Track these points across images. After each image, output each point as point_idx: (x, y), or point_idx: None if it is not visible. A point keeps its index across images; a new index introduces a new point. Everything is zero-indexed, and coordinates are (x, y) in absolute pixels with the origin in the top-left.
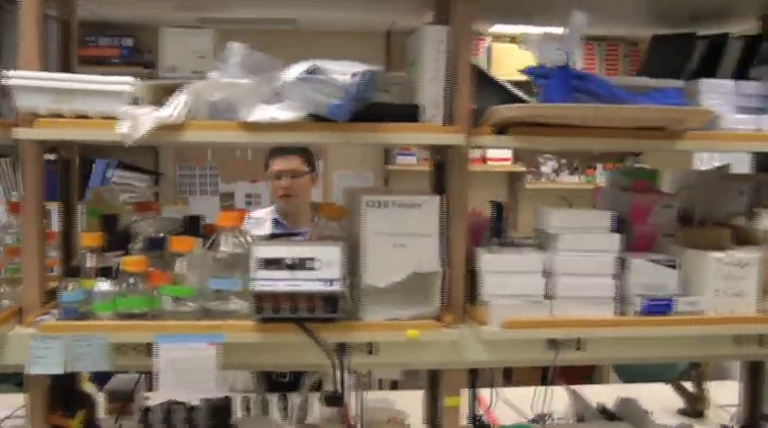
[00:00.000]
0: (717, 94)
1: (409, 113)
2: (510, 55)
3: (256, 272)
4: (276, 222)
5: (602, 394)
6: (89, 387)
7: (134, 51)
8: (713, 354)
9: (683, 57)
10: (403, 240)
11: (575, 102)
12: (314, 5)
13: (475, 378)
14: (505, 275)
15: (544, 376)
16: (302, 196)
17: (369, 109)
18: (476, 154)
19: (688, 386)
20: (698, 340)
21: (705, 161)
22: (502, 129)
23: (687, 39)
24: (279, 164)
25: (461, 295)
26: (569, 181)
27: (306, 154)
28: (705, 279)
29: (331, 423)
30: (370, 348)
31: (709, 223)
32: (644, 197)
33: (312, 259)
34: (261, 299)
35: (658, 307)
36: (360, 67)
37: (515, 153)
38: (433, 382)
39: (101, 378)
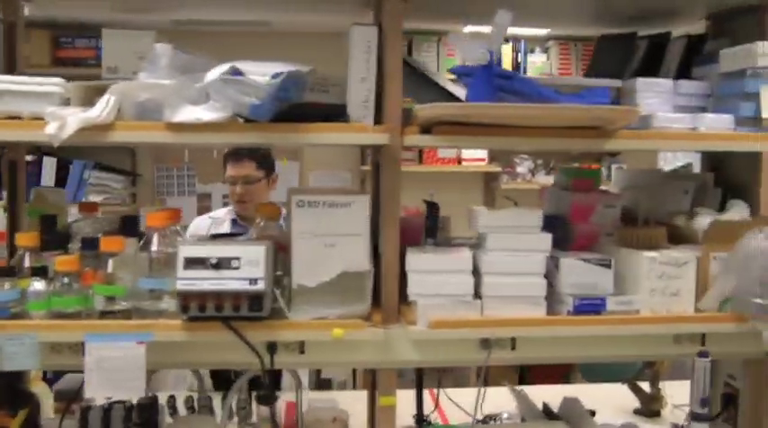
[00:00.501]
0: (653, 93)
1: (337, 113)
2: None
3: (182, 272)
4: (234, 222)
5: (562, 394)
6: (40, 387)
7: None
8: (651, 353)
9: (624, 56)
10: (332, 240)
11: (498, 102)
12: (250, 6)
13: (420, 377)
14: (432, 274)
15: (521, 376)
16: (257, 200)
17: (295, 109)
18: (450, 154)
19: (646, 386)
20: (635, 339)
21: (669, 160)
22: (429, 128)
23: (628, 38)
24: (232, 170)
25: (395, 294)
26: (546, 181)
27: (261, 158)
28: (639, 278)
29: (266, 421)
30: (302, 347)
31: (652, 222)
32: (585, 197)
33: (236, 258)
34: (186, 298)
35: (590, 307)
36: (282, 68)
37: (490, 153)
38: (374, 382)
39: (53, 378)
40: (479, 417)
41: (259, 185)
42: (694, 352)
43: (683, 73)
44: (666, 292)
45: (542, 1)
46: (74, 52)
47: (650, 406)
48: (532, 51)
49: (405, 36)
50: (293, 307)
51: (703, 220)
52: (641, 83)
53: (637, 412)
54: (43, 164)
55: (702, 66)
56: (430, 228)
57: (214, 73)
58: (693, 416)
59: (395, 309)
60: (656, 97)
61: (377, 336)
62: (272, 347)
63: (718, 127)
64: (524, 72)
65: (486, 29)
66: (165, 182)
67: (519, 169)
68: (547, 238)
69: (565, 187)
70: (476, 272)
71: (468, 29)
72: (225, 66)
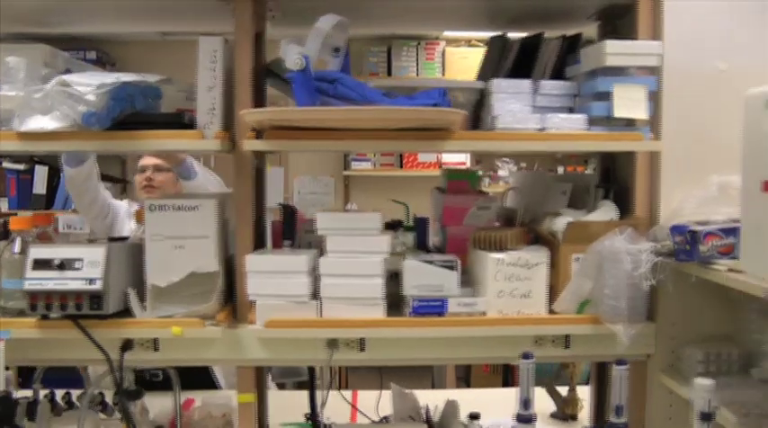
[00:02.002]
0: (508, 94)
1: (177, 121)
2: (464, 58)
3: (29, 272)
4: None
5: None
6: None
7: (97, 64)
8: (509, 356)
9: (498, 58)
10: (182, 242)
11: (322, 105)
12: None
13: (313, 377)
14: (269, 276)
15: (505, 380)
16: (163, 190)
17: (134, 117)
18: (431, 158)
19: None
20: (488, 340)
21: None
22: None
23: (503, 40)
24: (144, 160)
25: (246, 294)
26: None
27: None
28: (487, 279)
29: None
30: (156, 345)
31: (526, 224)
32: (456, 198)
33: (78, 259)
34: (34, 298)
35: (430, 308)
36: (111, 78)
37: (474, 157)
38: (259, 380)
39: None
40: (376, 418)
41: (169, 175)
42: (556, 355)
43: (559, 73)
44: (516, 294)
45: (423, 4)
46: None
47: (565, 410)
48: None
49: (384, 41)
50: (148, 305)
51: (559, 222)
52: (497, 84)
53: (553, 415)
54: (35, 172)
55: (573, 66)
56: (287, 231)
57: (51, 84)
58: (517, 418)
59: (247, 308)
60: (512, 98)
61: (214, 334)
62: (126, 345)
63: (568, 127)
64: None
65: (467, 34)
66: None
67: (501, 172)
68: (385, 240)
69: (442, 189)
70: (310, 273)
71: (446, 34)
72: (56, 79)
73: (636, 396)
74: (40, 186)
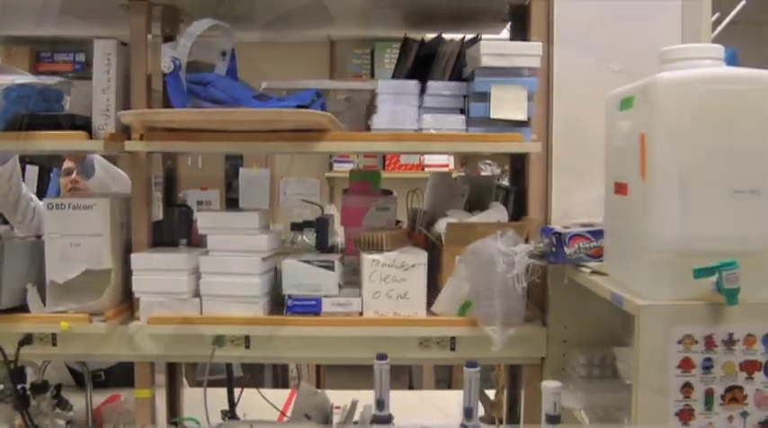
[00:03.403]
0: (392, 95)
1: (70, 123)
2: None
3: None
4: None
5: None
6: None
7: (86, 65)
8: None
9: (400, 59)
10: (78, 239)
11: (193, 107)
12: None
13: (231, 374)
14: (152, 273)
15: (488, 382)
16: (88, 191)
17: (28, 118)
18: (414, 160)
19: None
20: (369, 340)
21: None
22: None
23: (405, 42)
24: (68, 163)
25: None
26: None
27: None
28: (364, 280)
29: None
30: (54, 340)
31: (423, 225)
32: (356, 199)
33: None
34: None
35: (305, 308)
36: (23, 80)
37: (459, 159)
38: (171, 376)
39: None
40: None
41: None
42: (443, 357)
43: (459, 74)
44: (392, 295)
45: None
46: (53, 66)
47: (492, 413)
48: None
49: (367, 43)
50: (48, 301)
51: (440, 224)
52: (382, 85)
53: (482, 419)
54: (26, 171)
55: (465, 68)
56: (183, 230)
57: None
58: (372, 419)
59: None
60: (398, 98)
61: (99, 330)
62: (25, 339)
63: (447, 127)
64: None
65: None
66: None
67: (484, 174)
68: (264, 240)
69: (346, 190)
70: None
71: (429, 37)
72: None
73: (531, 399)
74: (30, 186)
